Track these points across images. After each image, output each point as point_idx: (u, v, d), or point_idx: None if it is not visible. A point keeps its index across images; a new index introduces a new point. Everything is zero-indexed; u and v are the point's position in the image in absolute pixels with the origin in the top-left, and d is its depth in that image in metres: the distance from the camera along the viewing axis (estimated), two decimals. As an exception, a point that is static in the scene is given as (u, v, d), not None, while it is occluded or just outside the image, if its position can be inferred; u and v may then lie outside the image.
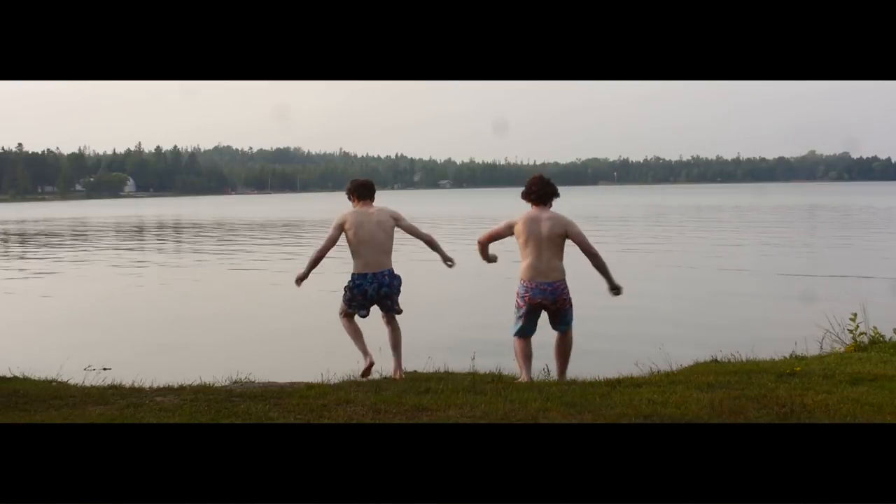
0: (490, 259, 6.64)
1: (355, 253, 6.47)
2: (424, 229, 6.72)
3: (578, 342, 7.52)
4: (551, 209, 6.37)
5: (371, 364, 6.65)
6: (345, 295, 6.60)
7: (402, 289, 6.66)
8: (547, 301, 6.25)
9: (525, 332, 6.37)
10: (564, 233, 6.20)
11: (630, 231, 33.61)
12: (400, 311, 6.63)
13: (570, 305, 6.35)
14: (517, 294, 6.34)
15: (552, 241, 6.19)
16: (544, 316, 6.38)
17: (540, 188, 6.34)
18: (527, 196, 6.37)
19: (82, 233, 40.38)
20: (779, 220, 39.40)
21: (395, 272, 6.57)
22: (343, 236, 6.51)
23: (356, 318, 6.66)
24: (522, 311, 6.31)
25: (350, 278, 6.54)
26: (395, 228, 6.57)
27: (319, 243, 6.54)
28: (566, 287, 6.30)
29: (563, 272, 6.28)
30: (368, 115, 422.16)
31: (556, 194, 6.44)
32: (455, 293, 13.09)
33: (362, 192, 6.60)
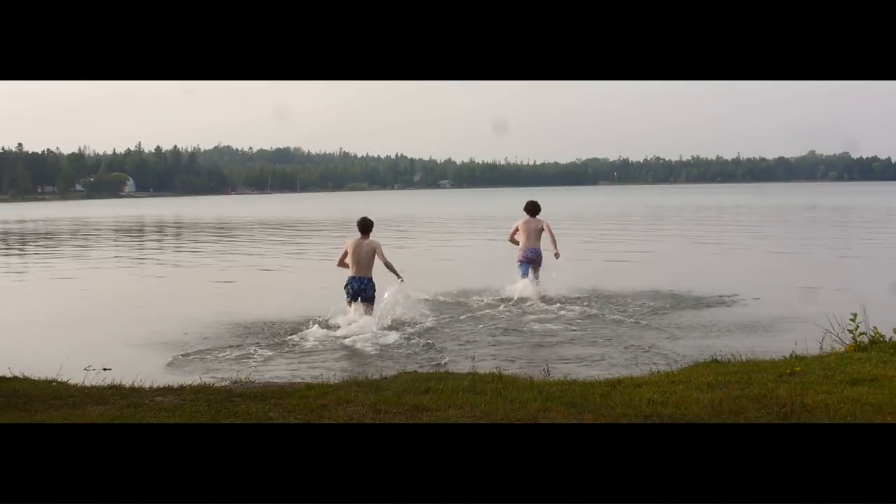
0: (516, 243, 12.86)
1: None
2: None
3: (579, 342, 8.27)
4: (537, 216, 12.77)
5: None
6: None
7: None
8: (531, 256, 12.49)
9: (524, 275, 12.46)
10: (542, 227, 12.62)
11: (630, 231, 33.63)
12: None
13: (541, 264, 12.61)
14: (517, 258, 12.55)
15: (536, 231, 12.65)
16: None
17: (532, 208, 12.77)
18: (526, 211, 12.83)
19: (82, 233, 40.38)
20: (779, 220, 39.43)
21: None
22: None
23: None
24: (520, 264, 12.50)
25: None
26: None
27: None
28: (541, 251, 12.62)
29: (540, 244, 12.65)
30: (368, 115, 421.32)
31: (539, 210, 12.82)
32: (456, 293, 13.11)
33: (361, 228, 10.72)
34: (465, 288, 12.96)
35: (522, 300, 11.87)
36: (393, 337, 9.53)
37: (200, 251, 26.47)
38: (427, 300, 11.60)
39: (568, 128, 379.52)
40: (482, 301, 12.00)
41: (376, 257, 10.37)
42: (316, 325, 9.94)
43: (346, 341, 9.38)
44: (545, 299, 11.91)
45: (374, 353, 8.85)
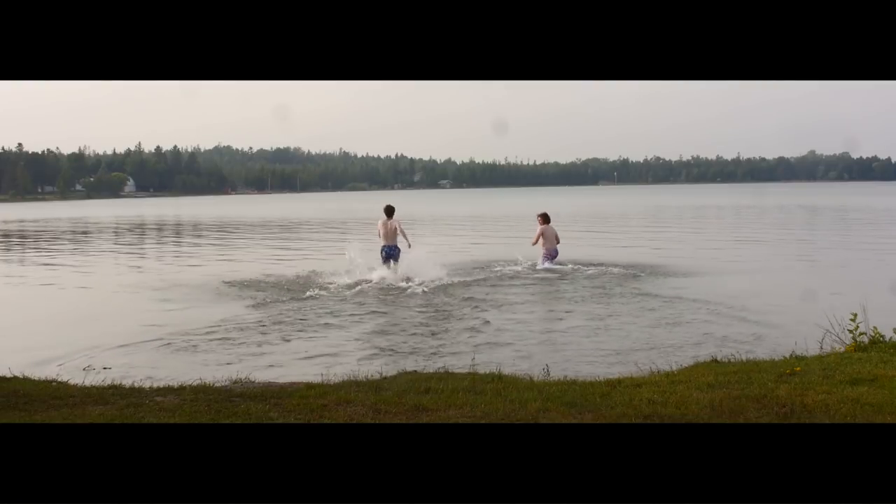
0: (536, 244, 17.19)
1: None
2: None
3: (578, 343, 8.23)
4: (550, 223, 16.93)
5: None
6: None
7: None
8: (553, 254, 16.65)
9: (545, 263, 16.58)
10: (556, 234, 17.04)
11: (629, 230, 33.63)
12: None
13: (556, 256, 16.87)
14: (542, 255, 16.73)
15: (553, 236, 16.94)
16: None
17: (547, 218, 16.78)
18: (541, 221, 16.90)
19: (82, 233, 40.38)
20: (779, 219, 39.41)
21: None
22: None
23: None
24: (545, 259, 16.60)
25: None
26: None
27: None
28: (559, 249, 16.93)
29: (557, 245, 16.93)
30: (368, 115, 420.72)
31: (549, 220, 16.92)
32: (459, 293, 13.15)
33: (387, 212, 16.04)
34: (484, 262, 17.44)
35: (541, 269, 16.36)
36: (410, 292, 13.32)
37: (201, 250, 26.46)
38: (453, 269, 15.31)
39: (568, 128, 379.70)
40: (500, 271, 16.29)
41: (398, 231, 15.80)
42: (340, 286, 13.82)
43: (378, 287, 13.97)
44: (559, 272, 16.03)
45: (379, 336, 8.85)
